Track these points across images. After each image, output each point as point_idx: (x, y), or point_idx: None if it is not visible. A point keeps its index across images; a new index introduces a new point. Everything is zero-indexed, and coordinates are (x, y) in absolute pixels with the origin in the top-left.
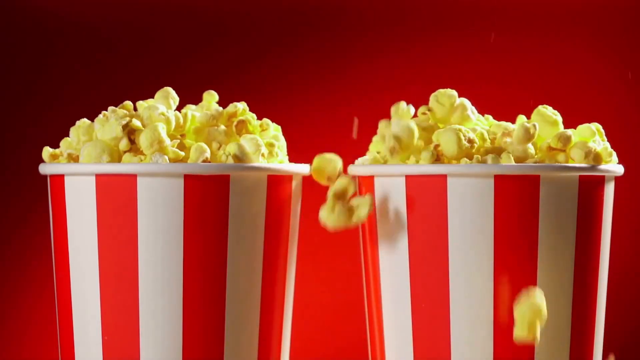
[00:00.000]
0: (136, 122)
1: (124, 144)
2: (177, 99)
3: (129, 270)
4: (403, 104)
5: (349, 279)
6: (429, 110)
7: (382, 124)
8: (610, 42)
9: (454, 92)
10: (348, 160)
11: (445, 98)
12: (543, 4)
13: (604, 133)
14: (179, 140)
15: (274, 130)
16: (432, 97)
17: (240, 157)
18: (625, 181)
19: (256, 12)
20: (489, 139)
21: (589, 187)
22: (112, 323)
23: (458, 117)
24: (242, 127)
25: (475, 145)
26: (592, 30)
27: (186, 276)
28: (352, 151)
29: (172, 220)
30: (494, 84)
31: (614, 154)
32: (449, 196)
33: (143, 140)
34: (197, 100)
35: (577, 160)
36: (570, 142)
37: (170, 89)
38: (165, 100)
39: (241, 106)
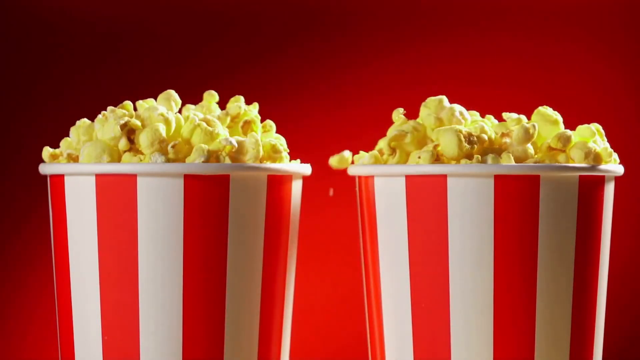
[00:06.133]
0: (135, 122)
1: (122, 143)
2: (180, 102)
3: (129, 270)
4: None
5: (349, 279)
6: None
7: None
8: (610, 42)
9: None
10: None
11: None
12: (543, 4)
13: (604, 133)
14: (178, 141)
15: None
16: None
17: (233, 144)
18: (625, 181)
19: (256, 13)
20: (488, 134)
21: (589, 187)
22: (112, 323)
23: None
24: (247, 127)
25: (476, 147)
26: (592, 30)
27: (186, 276)
28: (352, 151)
29: (172, 220)
30: (494, 84)
31: (614, 154)
32: (449, 196)
33: (143, 140)
34: (197, 100)
35: (577, 160)
36: (570, 142)
37: (172, 92)
38: (167, 102)
39: (244, 107)
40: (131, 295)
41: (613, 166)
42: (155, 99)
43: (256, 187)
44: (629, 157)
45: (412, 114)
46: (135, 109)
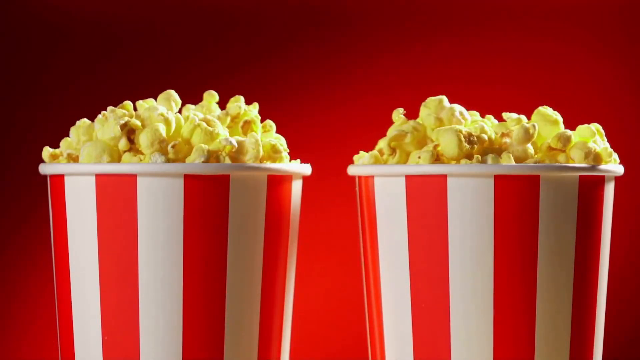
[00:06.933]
0: (135, 122)
1: (122, 143)
2: (180, 102)
3: (129, 270)
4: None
5: (349, 279)
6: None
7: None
8: (610, 42)
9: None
10: (348, 161)
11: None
12: (543, 4)
13: (604, 133)
14: (178, 141)
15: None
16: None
17: (233, 143)
18: (625, 181)
19: (256, 13)
20: (489, 134)
21: (589, 187)
22: (112, 323)
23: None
24: (247, 127)
25: (476, 147)
26: (592, 30)
27: (186, 276)
28: (352, 151)
29: (172, 220)
30: (494, 84)
31: (614, 154)
32: (449, 196)
33: (143, 140)
34: (197, 100)
35: (577, 160)
36: (570, 142)
37: (172, 92)
38: (167, 102)
39: (244, 107)
40: (131, 296)
41: (613, 166)
42: (155, 99)
43: (256, 187)
44: (629, 157)
45: (412, 114)
46: (135, 109)
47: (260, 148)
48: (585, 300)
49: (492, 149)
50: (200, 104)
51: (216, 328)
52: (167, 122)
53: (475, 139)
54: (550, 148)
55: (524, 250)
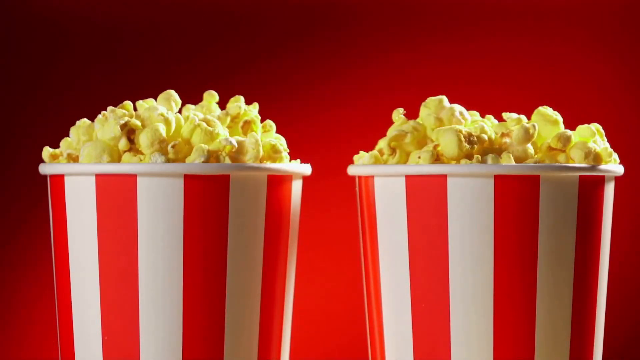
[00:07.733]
0: (135, 122)
1: (122, 143)
2: (180, 102)
3: (129, 270)
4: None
5: (349, 279)
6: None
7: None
8: (610, 42)
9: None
10: (348, 161)
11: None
12: (543, 4)
13: (604, 133)
14: (178, 141)
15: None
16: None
17: (233, 143)
18: (625, 181)
19: (256, 13)
20: (489, 134)
21: (589, 187)
22: (112, 323)
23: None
24: (247, 127)
25: (476, 147)
26: (592, 30)
27: (186, 276)
28: (352, 151)
29: (172, 220)
30: (494, 84)
31: (614, 154)
32: (449, 196)
33: (143, 140)
34: (197, 100)
35: (577, 160)
36: (570, 142)
37: (172, 92)
38: (167, 102)
39: (244, 107)
40: (131, 295)
41: (613, 166)
42: (155, 99)
43: (256, 187)
44: (629, 157)
45: (412, 114)
46: (135, 109)
47: (260, 148)
48: (585, 300)
49: (492, 149)
50: (200, 104)
51: (216, 328)
52: (167, 122)
53: (475, 139)
54: (550, 148)
55: (524, 250)
